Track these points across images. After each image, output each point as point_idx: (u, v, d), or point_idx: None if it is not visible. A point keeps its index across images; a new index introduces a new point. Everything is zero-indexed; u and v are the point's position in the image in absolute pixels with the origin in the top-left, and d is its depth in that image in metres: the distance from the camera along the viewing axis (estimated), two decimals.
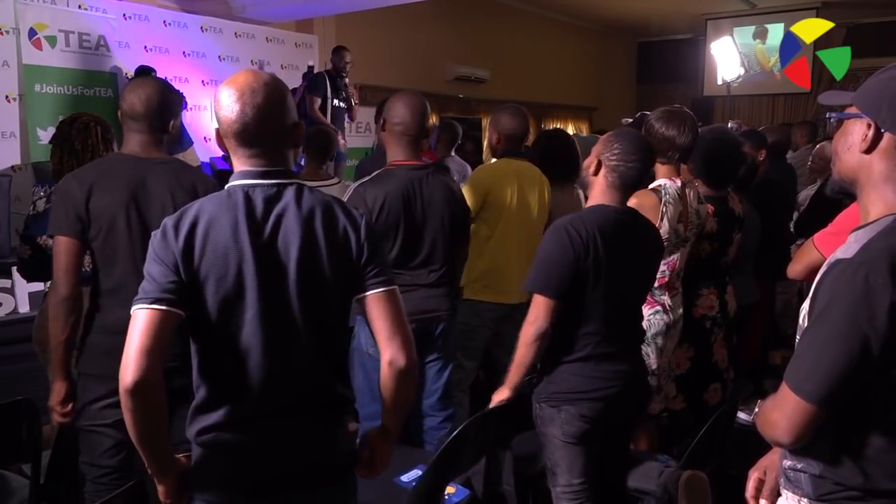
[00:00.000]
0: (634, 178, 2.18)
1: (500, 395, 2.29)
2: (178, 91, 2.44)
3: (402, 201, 2.53)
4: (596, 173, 2.21)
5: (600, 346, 2.18)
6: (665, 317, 2.67)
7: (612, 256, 2.13)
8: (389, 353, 1.51)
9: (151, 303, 1.39)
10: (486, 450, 2.36)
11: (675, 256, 2.67)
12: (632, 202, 2.58)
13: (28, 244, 2.64)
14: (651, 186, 2.68)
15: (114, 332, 1.88)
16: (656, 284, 2.65)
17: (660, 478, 2.27)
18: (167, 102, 2.21)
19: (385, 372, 1.52)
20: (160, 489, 1.49)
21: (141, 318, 1.39)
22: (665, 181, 2.65)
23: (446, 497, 2.32)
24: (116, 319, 1.98)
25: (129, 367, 1.35)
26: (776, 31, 11.95)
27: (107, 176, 2.12)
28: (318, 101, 6.44)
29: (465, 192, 2.93)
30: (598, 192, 2.21)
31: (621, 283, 2.18)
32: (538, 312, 2.12)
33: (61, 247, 2.09)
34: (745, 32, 12.11)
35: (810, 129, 6.78)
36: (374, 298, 1.53)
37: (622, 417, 2.29)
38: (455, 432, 2.09)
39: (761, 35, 12.31)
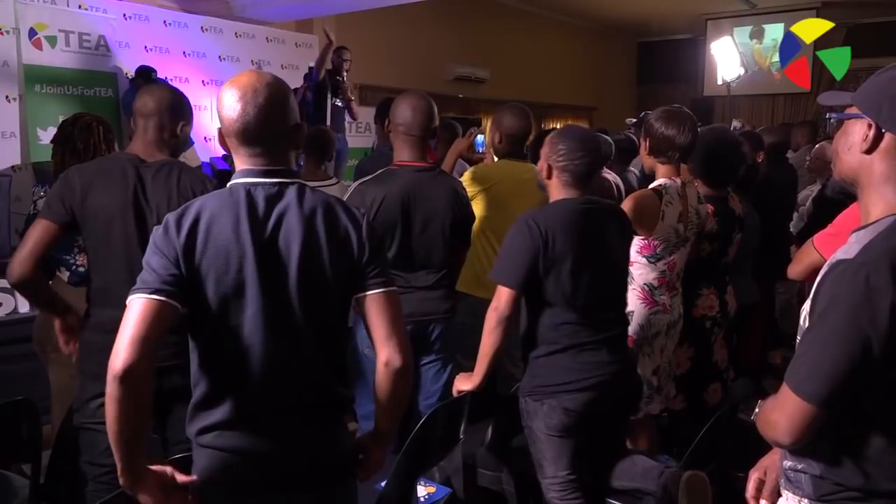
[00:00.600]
0: (585, 172, 2.25)
1: (466, 384, 2.33)
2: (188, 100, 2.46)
3: (401, 202, 2.51)
4: (549, 177, 2.28)
5: (578, 335, 2.20)
6: (664, 316, 2.67)
7: (577, 245, 2.16)
8: (386, 353, 1.51)
9: (150, 293, 1.38)
10: (455, 441, 2.38)
11: (674, 256, 2.67)
12: (630, 202, 2.59)
13: None
14: (651, 186, 2.69)
15: (108, 330, 1.87)
16: (656, 284, 2.66)
17: (660, 478, 2.27)
18: (178, 105, 2.23)
19: (381, 372, 1.52)
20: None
21: (137, 306, 1.37)
22: (665, 181, 2.65)
23: (427, 496, 2.33)
24: (109, 318, 1.97)
25: (121, 353, 1.33)
26: (772, 31, 11.99)
27: (107, 175, 2.12)
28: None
29: None
30: (556, 191, 2.28)
31: (591, 271, 2.20)
32: (499, 301, 2.19)
33: (37, 228, 2.06)
34: (742, 32, 12.12)
35: (810, 129, 6.79)
36: (372, 299, 1.53)
37: (608, 409, 2.29)
38: (418, 425, 2.11)
39: (757, 34, 12.32)
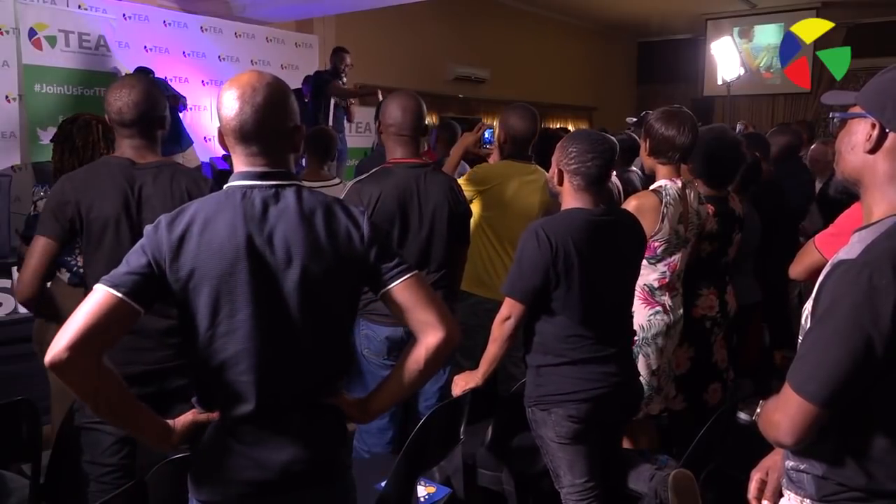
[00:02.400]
0: (597, 175, 2.18)
1: (469, 384, 2.35)
2: (160, 82, 2.41)
3: (398, 199, 2.49)
4: (561, 182, 2.23)
5: (586, 349, 2.18)
6: (665, 317, 2.66)
7: (587, 259, 2.13)
8: (444, 331, 1.47)
9: (112, 286, 1.36)
10: (455, 441, 2.38)
11: (675, 257, 2.67)
12: (632, 203, 2.58)
13: (28, 244, 2.64)
14: (651, 187, 2.68)
15: None
16: (656, 285, 2.65)
17: (651, 482, 2.28)
18: (155, 104, 2.18)
19: (432, 347, 1.48)
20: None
21: (96, 297, 1.35)
22: (665, 182, 2.65)
23: (427, 496, 2.32)
24: None
25: (55, 345, 1.30)
26: (762, 32, 12.05)
27: (100, 182, 2.10)
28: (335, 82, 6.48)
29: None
30: (569, 197, 2.22)
31: (599, 285, 2.17)
32: (508, 313, 2.20)
33: (38, 247, 2.09)
34: (737, 32, 12.13)
35: (808, 129, 6.78)
36: (397, 290, 1.49)
37: (611, 418, 2.29)
38: (418, 425, 2.11)
39: (746, 34, 12.32)
